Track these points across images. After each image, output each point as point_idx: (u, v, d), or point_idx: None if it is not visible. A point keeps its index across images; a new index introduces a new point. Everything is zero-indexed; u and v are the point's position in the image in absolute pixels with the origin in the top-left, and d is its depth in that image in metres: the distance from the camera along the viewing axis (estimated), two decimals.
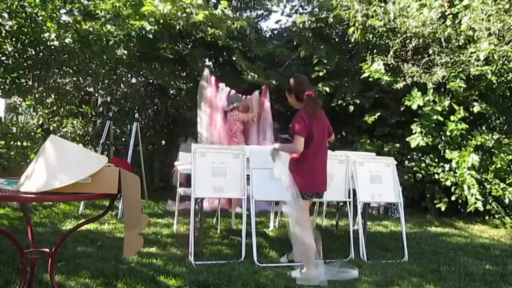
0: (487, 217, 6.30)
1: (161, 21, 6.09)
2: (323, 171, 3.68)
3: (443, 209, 6.32)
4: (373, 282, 3.52)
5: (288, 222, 3.82)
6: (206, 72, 6.60)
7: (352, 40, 6.72)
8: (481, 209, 5.81)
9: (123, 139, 7.10)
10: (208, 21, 6.38)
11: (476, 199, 5.69)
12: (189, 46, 7.35)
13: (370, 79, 6.50)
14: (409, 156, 6.67)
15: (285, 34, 8.58)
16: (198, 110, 6.58)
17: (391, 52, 6.38)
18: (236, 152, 4.14)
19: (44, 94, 6.36)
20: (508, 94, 6.53)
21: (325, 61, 7.22)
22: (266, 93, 6.78)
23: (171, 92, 7.39)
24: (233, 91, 6.60)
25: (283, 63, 7.44)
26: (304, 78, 3.90)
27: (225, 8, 6.56)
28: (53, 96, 6.50)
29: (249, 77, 6.95)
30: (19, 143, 6.33)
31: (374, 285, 3.46)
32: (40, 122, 7.10)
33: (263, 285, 3.29)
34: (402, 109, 6.83)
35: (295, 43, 7.80)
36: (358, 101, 7.08)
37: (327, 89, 7.05)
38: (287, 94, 3.80)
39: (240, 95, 6.56)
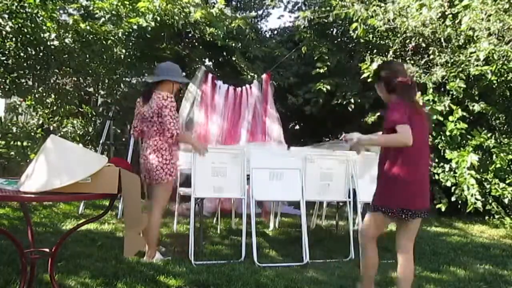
0: (487, 217, 6.30)
1: (158, 18, 6.09)
2: (427, 182, 2.83)
3: (443, 209, 6.32)
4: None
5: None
6: (202, 70, 6.56)
7: (354, 36, 6.70)
8: (481, 209, 5.81)
9: (123, 139, 7.10)
10: (206, 20, 6.39)
11: (476, 199, 5.69)
12: (189, 46, 7.35)
13: (370, 79, 6.49)
14: None
15: (285, 34, 8.59)
16: (189, 108, 6.42)
17: (391, 52, 6.38)
18: (236, 152, 4.14)
19: (44, 94, 6.36)
20: (508, 94, 6.52)
21: (326, 57, 7.22)
22: (268, 81, 6.66)
23: None
24: (231, 87, 6.54)
25: (283, 63, 7.45)
26: (398, 65, 3.11)
27: (223, 7, 6.56)
28: (53, 96, 6.50)
29: (249, 77, 6.95)
30: (19, 143, 6.33)
31: (374, 285, 3.46)
32: (40, 122, 7.10)
33: (263, 285, 3.28)
34: None
35: (296, 42, 7.81)
36: (359, 100, 7.09)
37: (328, 87, 7.05)
38: (376, 82, 2.95)
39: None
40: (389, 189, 2.79)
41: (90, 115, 7.52)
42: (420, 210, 2.80)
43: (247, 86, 6.63)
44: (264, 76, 6.73)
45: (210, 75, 6.48)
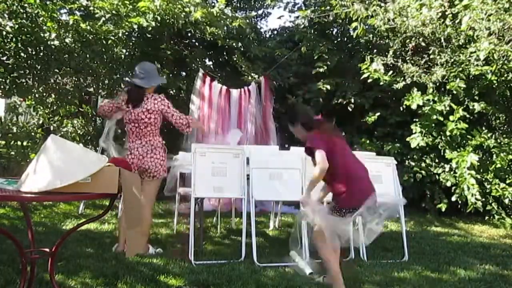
0: (487, 217, 6.31)
1: (158, 18, 6.09)
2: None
3: (443, 209, 6.32)
4: (373, 282, 3.52)
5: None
6: (201, 73, 6.68)
7: (354, 36, 6.70)
8: (481, 209, 5.81)
9: (123, 139, 7.09)
10: (206, 19, 6.40)
11: (476, 199, 5.69)
12: (189, 46, 7.35)
13: (370, 80, 6.50)
14: (409, 156, 6.67)
15: (285, 34, 8.58)
16: (190, 105, 6.71)
17: (391, 52, 6.38)
18: (236, 152, 4.14)
19: (44, 94, 6.36)
20: (508, 94, 6.52)
21: (326, 57, 7.22)
22: (267, 83, 6.81)
23: (171, 92, 7.40)
24: (224, 87, 6.67)
25: (283, 63, 7.45)
26: (304, 106, 3.74)
27: (223, 7, 6.57)
28: (53, 96, 6.51)
29: (250, 77, 6.96)
30: (19, 143, 6.33)
31: (374, 285, 3.46)
32: (40, 122, 7.10)
33: (263, 285, 3.29)
34: (402, 109, 6.83)
35: (296, 42, 7.80)
36: (359, 100, 7.08)
37: (328, 87, 7.04)
38: (291, 126, 3.37)
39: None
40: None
41: (90, 115, 7.51)
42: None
43: (245, 88, 6.74)
44: (262, 78, 6.80)
45: (208, 77, 6.61)
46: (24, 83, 5.85)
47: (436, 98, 6.18)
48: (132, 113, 3.81)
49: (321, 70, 7.14)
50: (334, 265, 3.20)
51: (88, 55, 5.92)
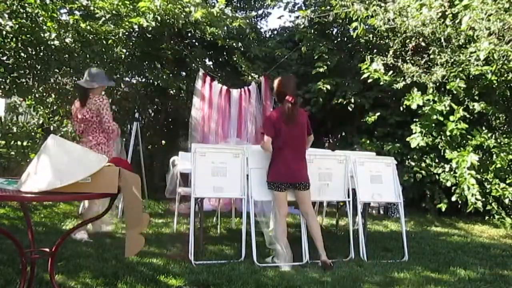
0: (487, 217, 6.31)
1: (159, 18, 6.10)
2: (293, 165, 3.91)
3: (443, 209, 6.32)
4: (373, 282, 3.52)
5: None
6: (201, 72, 6.70)
7: (354, 36, 6.70)
8: (481, 209, 5.82)
9: (123, 139, 7.09)
10: (206, 19, 6.40)
11: (476, 199, 5.69)
12: (189, 46, 7.36)
13: (370, 80, 6.50)
14: (409, 156, 6.67)
15: (285, 34, 8.58)
16: (192, 106, 6.77)
17: (391, 52, 6.38)
18: (236, 152, 4.14)
19: (45, 94, 6.36)
20: (508, 94, 6.52)
21: (326, 56, 7.22)
22: (267, 83, 6.86)
23: (171, 92, 7.40)
24: (224, 87, 6.70)
25: (283, 63, 7.45)
26: (289, 80, 4.05)
27: (223, 7, 6.58)
28: (53, 96, 6.50)
29: (250, 77, 6.97)
30: (19, 143, 6.32)
31: (374, 285, 3.46)
32: (40, 122, 7.09)
33: (263, 285, 3.29)
34: (402, 109, 6.84)
35: (296, 42, 7.80)
36: (359, 100, 7.09)
37: (328, 87, 7.04)
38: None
39: None
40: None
41: None
42: (290, 183, 3.96)
43: (245, 88, 6.76)
44: (262, 78, 6.83)
45: (208, 77, 6.63)
46: (24, 83, 5.84)
47: (436, 98, 6.18)
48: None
49: (321, 70, 7.14)
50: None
51: (88, 55, 5.92)
